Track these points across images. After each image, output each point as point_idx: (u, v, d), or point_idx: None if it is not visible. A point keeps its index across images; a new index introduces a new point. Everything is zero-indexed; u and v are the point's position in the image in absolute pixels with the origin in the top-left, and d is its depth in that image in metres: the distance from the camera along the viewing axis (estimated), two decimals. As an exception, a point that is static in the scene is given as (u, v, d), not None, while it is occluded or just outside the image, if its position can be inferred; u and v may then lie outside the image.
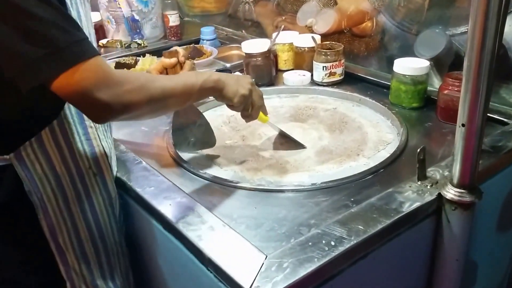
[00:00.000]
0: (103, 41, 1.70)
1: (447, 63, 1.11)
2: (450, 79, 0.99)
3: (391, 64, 1.10)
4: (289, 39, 1.34)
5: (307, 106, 1.17)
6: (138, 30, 1.68)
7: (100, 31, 1.72)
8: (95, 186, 0.82)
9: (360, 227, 0.68)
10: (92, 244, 0.83)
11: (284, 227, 0.71)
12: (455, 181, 0.72)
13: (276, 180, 0.86)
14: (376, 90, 1.19)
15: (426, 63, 1.07)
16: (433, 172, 0.80)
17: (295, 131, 1.04)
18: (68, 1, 0.71)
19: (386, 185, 0.79)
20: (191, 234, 0.69)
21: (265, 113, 0.94)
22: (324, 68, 1.22)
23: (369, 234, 0.67)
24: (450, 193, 0.73)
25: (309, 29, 1.41)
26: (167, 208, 0.75)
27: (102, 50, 1.66)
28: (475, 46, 0.62)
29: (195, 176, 0.86)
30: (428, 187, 0.77)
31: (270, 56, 1.27)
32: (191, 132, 0.96)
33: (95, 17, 1.68)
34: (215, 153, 0.97)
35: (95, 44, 0.79)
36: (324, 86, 1.24)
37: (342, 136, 1.02)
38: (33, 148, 0.73)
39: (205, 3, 1.95)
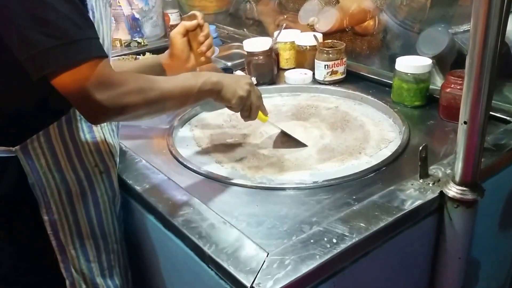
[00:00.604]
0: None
1: (450, 61, 1.11)
2: (453, 77, 0.98)
3: (393, 62, 1.10)
4: (290, 37, 1.34)
5: (309, 104, 1.17)
6: (138, 29, 1.68)
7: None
8: (101, 183, 0.82)
9: (362, 224, 0.68)
10: (93, 242, 0.83)
11: (286, 225, 0.71)
12: (457, 178, 0.72)
13: (277, 178, 0.86)
14: (378, 89, 1.19)
15: (429, 61, 1.07)
16: (435, 170, 0.80)
17: (296, 130, 1.04)
18: (93, 1, 0.72)
19: (388, 183, 0.79)
20: (191, 232, 0.69)
21: (265, 113, 0.95)
22: (326, 66, 1.22)
23: (371, 232, 0.67)
24: (452, 191, 0.73)
25: (311, 28, 1.41)
26: (168, 206, 0.75)
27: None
28: (477, 44, 0.62)
29: (195, 174, 0.86)
30: (430, 185, 0.76)
31: (272, 55, 1.27)
32: None
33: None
34: (216, 151, 0.97)
35: (109, 48, 0.80)
36: (326, 84, 1.24)
37: (344, 134, 1.02)
38: (39, 142, 0.74)
39: (206, 2, 1.94)
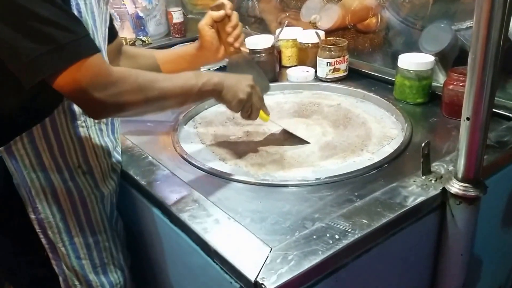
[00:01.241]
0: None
1: (452, 58, 1.11)
2: (455, 74, 0.99)
3: (395, 59, 1.10)
4: (292, 35, 1.34)
5: (311, 102, 1.18)
6: (142, 27, 1.68)
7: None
8: (86, 184, 0.82)
9: (364, 221, 0.68)
10: (83, 240, 0.84)
11: (289, 221, 0.71)
12: (459, 175, 0.72)
13: (280, 175, 0.86)
14: (380, 86, 1.19)
15: (431, 58, 1.07)
16: (438, 166, 0.80)
17: (299, 127, 1.04)
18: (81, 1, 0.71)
19: (390, 180, 0.79)
20: (197, 227, 0.69)
21: (267, 112, 0.95)
22: (328, 64, 1.22)
23: (373, 228, 0.67)
24: (455, 187, 0.73)
25: (313, 25, 1.41)
26: (174, 201, 0.76)
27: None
28: (480, 40, 0.62)
29: (200, 170, 0.87)
30: (433, 181, 0.77)
31: (274, 52, 1.27)
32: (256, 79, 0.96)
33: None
34: (220, 148, 0.97)
35: (102, 42, 0.80)
36: (328, 82, 1.24)
37: (346, 131, 1.02)
38: (23, 143, 0.74)
39: (209, 0, 1.95)
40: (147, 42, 1.67)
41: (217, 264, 0.66)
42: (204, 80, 0.80)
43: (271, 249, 0.63)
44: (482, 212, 0.76)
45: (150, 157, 0.90)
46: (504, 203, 0.94)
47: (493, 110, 0.70)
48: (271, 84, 1.24)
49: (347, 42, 1.23)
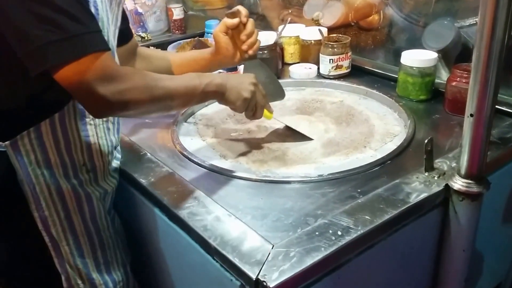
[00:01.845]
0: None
1: (455, 55, 1.10)
2: (458, 71, 0.98)
3: (398, 56, 1.10)
4: (295, 32, 1.33)
5: (314, 99, 1.17)
6: (141, 23, 1.67)
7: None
8: (89, 181, 0.82)
9: (367, 217, 0.68)
10: (87, 238, 0.83)
11: (291, 218, 0.71)
12: (462, 171, 0.72)
13: (282, 172, 0.86)
14: (383, 83, 1.19)
15: (434, 55, 1.06)
16: (441, 163, 0.80)
17: (301, 124, 1.04)
18: None
19: (393, 177, 0.78)
20: (197, 225, 0.69)
21: (270, 110, 0.95)
22: (331, 61, 1.21)
23: (376, 224, 0.67)
24: (458, 183, 0.72)
25: (316, 22, 1.40)
26: (173, 199, 0.75)
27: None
28: (485, 36, 0.62)
29: (200, 167, 0.86)
30: (436, 178, 0.76)
31: (277, 49, 1.27)
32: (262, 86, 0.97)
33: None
34: (220, 145, 0.97)
35: (114, 43, 0.80)
36: (330, 79, 1.23)
37: (349, 128, 1.01)
38: (30, 138, 0.73)
39: (210, -3, 1.94)
40: (146, 38, 1.66)
41: (217, 262, 0.66)
42: (207, 81, 0.81)
43: (273, 245, 0.63)
44: (484, 208, 0.76)
45: (149, 154, 0.90)
46: (506, 199, 0.94)
47: (496, 106, 0.69)
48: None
49: (349, 39, 1.22)
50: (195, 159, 0.89)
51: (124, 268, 0.91)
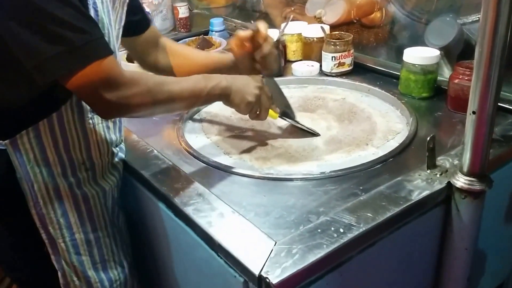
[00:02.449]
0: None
1: (458, 52, 1.10)
2: (461, 68, 0.98)
3: (400, 54, 1.10)
4: (297, 29, 1.33)
5: (316, 96, 1.17)
6: (149, 22, 1.68)
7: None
8: (88, 180, 0.82)
9: (369, 214, 0.68)
10: (84, 237, 0.84)
11: (293, 215, 0.71)
12: (465, 169, 0.72)
13: (285, 169, 0.86)
14: (385, 80, 1.19)
15: (436, 52, 1.06)
16: (443, 161, 0.80)
17: (304, 121, 1.04)
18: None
19: (395, 174, 0.79)
20: (201, 221, 0.69)
21: (276, 110, 0.96)
22: (333, 58, 1.21)
23: (378, 222, 0.67)
24: (460, 181, 0.73)
25: (318, 20, 1.40)
26: (178, 195, 0.76)
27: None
28: (487, 33, 0.62)
29: (205, 164, 0.87)
30: (438, 175, 0.76)
31: (279, 47, 1.27)
32: (276, 102, 0.99)
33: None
34: (225, 143, 0.98)
35: (116, 44, 0.81)
36: (333, 76, 1.24)
37: (351, 126, 1.02)
38: (29, 137, 0.75)
39: (214, -6, 1.95)
40: (152, 37, 1.66)
41: (221, 258, 0.66)
42: (212, 84, 0.82)
43: (276, 242, 0.64)
44: (487, 206, 0.76)
45: (155, 151, 0.90)
46: (509, 198, 0.94)
47: (499, 104, 0.69)
48: (277, 79, 1.24)
49: (352, 36, 1.22)
50: (200, 156, 0.89)
51: (121, 267, 0.91)
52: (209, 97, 0.83)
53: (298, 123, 1.00)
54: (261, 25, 0.91)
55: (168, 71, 1.03)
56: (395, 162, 0.85)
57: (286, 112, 1.00)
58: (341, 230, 0.65)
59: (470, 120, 0.68)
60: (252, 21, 1.71)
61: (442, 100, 1.05)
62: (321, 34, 1.27)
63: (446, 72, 1.12)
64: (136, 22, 0.94)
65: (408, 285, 0.84)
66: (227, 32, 1.68)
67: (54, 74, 0.65)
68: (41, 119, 0.74)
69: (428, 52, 1.07)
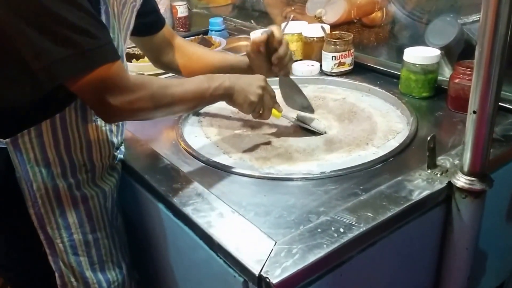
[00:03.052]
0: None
1: (458, 52, 1.10)
2: (461, 68, 0.98)
3: (401, 53, 1.10)
4: (298, 29, 1.33)
5: (316, 96, 1.17)
6: (147, 21, 1.68)
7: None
8: (87, 181, 0.82)
9: (369, 214, 0.68)
10: (82, 237, 0.83)
11: (293, 215, 0.71)
12: (465, 169, 0.72)
13: (285, 169, 0.86)
14: (386, 80, 1.19)
15: (437, 52, 1.06)
16: (443, 160, 0.80)
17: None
18: (109, 3, 0.73)
19: (395, 174, 0.79)
20: (201, 221, 0.69)
21: (279, 110, 0.96)
22: (333, 58, 1.21)
23: (378, 222, 0.67)
24: (461, 181, 0.72)
25: (318, 19, 1.40)
26: (177, 195, 0.76)
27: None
28: (487, 32, 0.62)
29: (204, 164, 0.87)
30: (438, 175, 0.76)
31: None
32: (294, 97, 1.01)
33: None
34: (224, 142, 0.97)
35: (123, 48, 0.82)
36: (333, 76, 1.23)
37: (351, 125, 1.01)
38: (30, 137, 0.75)
39: (214, -7, 1.95)
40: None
41: (221, 258, 0.66)
42: (216, 85, 0.83)
43: (276, 242, 0.63)
44: (488, 206, 0.76)
45: (154, 151, 0.90)
46: (509, 197, 0.94)
47: (500, 104, 0.69)
48: (277, 79, 1.24)
49: (352, 36, 1.22)
50: (199, 156, 0.89)
51: (119, 268, 0.91)
52: (212, 98, 0.84)
53: (305, 123, 1.00)
54: (275, 29, 0.94)
55: (182, 71, 1.05)
56: (395, 161, 0.85)
57: (301, 111, 1.01)
58: (341, 230, 0.65)
59: (470, 119, 0.68)
60: (251, 21, 1.72)
61: (443, 99, 1.05)
62: (322, 34, 1.27)
63: (446, 72, 1.12)
64: (150, 23, 0.96)
65: (409, 285, 0.84)
66: (227, 32, 1.68)
67: (61, 77, 0.66)
68: (44, 120, 0.74)
69: (429, 51, 1.06)
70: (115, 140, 0.86)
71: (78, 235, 0.83)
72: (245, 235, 0.66)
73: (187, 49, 1.05)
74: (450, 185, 0.74)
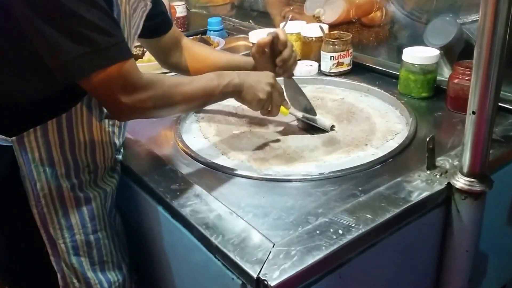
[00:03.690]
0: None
1: (457, 52, 1.10)
2: (461, 68, 0.97)
3: (400, 53, 1.09)
4: (296, 29, 1.33)
5: (315, 96, 1.17)
6: (145, 21, 1.67)
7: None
8: (88, 183, 0.82)
9: (368, 216, 0.68)
10: (84, 238, 0.83)
11: (292, 216, 0.71)
12: (465, 170, 0.72)
13: (283, 170, 0.85)
14: (385, 80, 1.18)
15: (436, 52, 1.06)
16: (443, 161, 0.80)
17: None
18: (121, 3, 0.74)
19: (394, 175, 0.78)
20: (199, 222, 0.69)
21: (287, 107, 0.97)
22: (332, 58, 1.21)
23: (377, 223, 0.66)
24: (460, 182, 0.72)
25: (317, 19, 1.40)
26: (175, 197, 0.75)
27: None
28: (486, 32, 0.62)
29: (203, 165, 0.86)
30: (438, 176, 0.76)
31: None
32: (298, 99, 1.02)
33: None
34: (223, 143, 0.97)
35: (132, 45, 0.84)
36: (331, 76, 1.23)
37: (350, 126, 1.01)
38: (36, 136, 0.75)
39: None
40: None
41: (219, 260, 0.66)
42: (225, 82, 0.84)
43: (274, 244, 0.63)
44: (488, 207, 0.76)
45: (152, 152, 0.90)
46: (510, 198, 0.93)
47: (499, 104, 0.69)
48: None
49: (351, 36, 1.22)
50: (197, 157, 0.88)
51: (119, 268, 0.91)
52: (222, 95, 0.85)
53: (311, 121, 1.00)
54: (281, 32, 0.95)
55: (189, 72, 1.06)
56: (394, 162, 0.84)
57: (304, 113, 1.01)
58: (340, 232, 0.65)
59: (470, 120, 0.67)
60: (250, 21, 1.71)
61: (442, 100, 1.05)
62: (320, 34, 1.26)
63: (445, 72, 1.12)
64: (158, 24, 0.97)
65: (408, 287, 0.83)
66: (225, 32, 1.67)
67: (78, 74, 0.67)
68: (50, 119, 0.75)
69: (428, 51, 1.06)
70: (117, 141, 0.86)
71: (80, 235, 0.83)
72: (243, 237, 0.66)
73: (194, 50, 1.07)
74: (449, 186, 0.74)
